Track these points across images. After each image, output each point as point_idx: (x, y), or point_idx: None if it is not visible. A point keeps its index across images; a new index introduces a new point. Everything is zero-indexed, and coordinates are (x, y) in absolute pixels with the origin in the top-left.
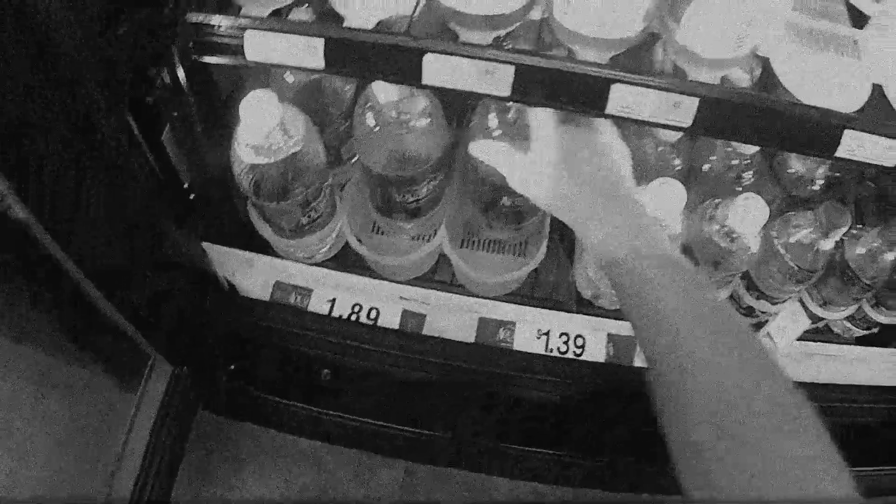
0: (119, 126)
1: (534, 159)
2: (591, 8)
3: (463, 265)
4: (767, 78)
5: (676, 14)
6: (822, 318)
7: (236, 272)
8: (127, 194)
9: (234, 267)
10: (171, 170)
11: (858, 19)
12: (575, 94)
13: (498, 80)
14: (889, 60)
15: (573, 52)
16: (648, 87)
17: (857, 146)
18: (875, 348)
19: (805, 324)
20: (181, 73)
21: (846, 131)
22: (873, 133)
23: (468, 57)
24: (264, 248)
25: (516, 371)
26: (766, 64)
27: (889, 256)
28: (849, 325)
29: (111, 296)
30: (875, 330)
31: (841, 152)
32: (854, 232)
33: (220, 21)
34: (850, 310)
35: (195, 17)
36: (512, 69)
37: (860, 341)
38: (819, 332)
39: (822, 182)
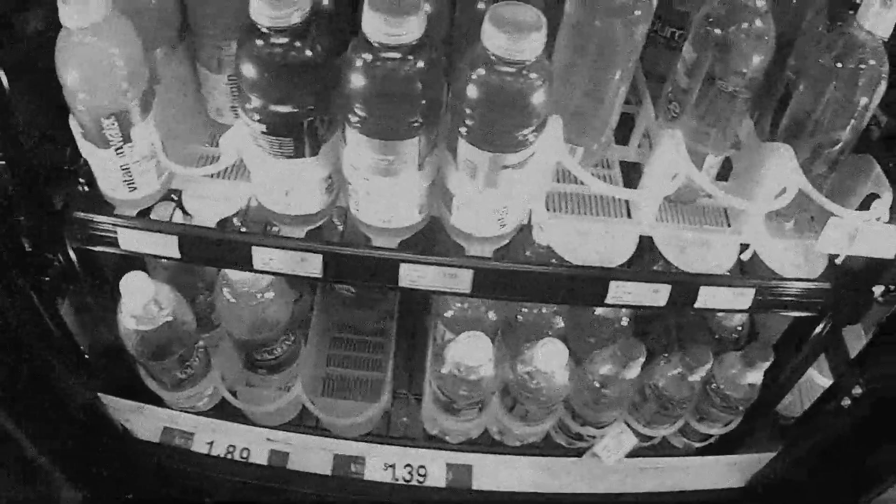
0: (22, 301)
1: None
2: (370, 206)
3: (317, 410)
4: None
5: (447, 205)
6: (652, 437)
7: (129, 418)
8: (29, 355)
9: (127, 414)
10: (68, 334)
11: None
12: (372, 272)
13: (312, 265)
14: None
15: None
16: (429, 264)
17: (625, 294)
18: (708, 457)
19: (632, 441)
20: (73, 256)
21: (612, 282)
22: (637, 281)
23: (285, 249)
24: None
25: (366, 499)
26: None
27: (691, 378)
28: (685, 440)
29: (25, 432)
30: (711, 441)
31: (611, 300)
32: (661, 360)
33: (100, 219)
34: (675, 427)
35: (81, 215)
36: (320, 258)
37: (702, 451)
38: (659, 447)
39: (626, 321)
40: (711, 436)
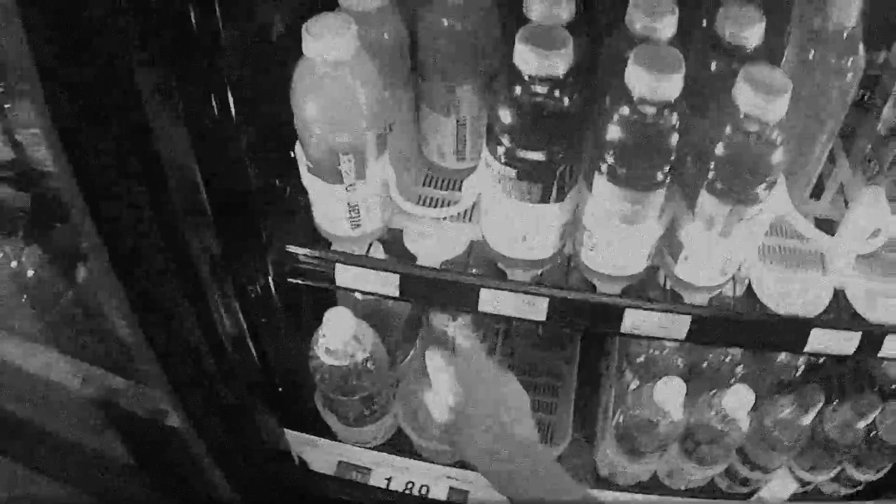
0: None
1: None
2: (606, 254)
3: None
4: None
5: (673, 254)
6: (810, 482)
7: (304, 451)
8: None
9: (302, 447)
10: (269, 367)
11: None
12: (595, 317)
13: (538, 308)
14: (846, 271)
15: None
16: (653, 310)
17: (822, 341)
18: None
19: (792, 487)
20: (272, 287)
21: (813, 330)
22: (835, 329)
23: (515, 292)
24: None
25: None
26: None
27: (860, 425)
28: (836, 486)
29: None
30: (860, 487)
31: (809, 348)
32: (831, 407)
33: (318, 254)
34: (833, 472)
35: (293, 249)
36: (547, 301)
37: (847, 498)
38: (810, 494)
39: (803, 367)
40: (861, 482)
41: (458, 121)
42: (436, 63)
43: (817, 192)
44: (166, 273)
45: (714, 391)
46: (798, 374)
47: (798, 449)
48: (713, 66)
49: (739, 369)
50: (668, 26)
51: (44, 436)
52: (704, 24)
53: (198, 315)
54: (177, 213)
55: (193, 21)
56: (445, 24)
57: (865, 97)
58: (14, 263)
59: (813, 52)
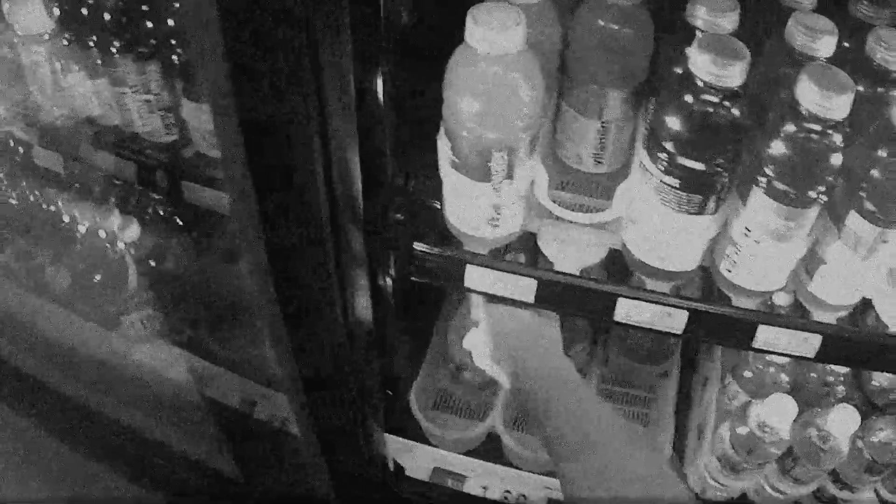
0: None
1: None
2: (751, 269)
3: None
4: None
5: (810, 271)
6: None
7: (398, 457)
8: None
9: (397, 452)
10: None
11: None
12: (730, 332)
13: (676, 320)
14: None
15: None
16: (786, 326)
17: None
18: None
19: None
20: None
21: None
22: None
23: (655, 303)
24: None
25: None
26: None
27: None
28: None
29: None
30: None
31: None
32: None
33: (447, 253)
34: None
35: (420, 247)
36: (686, 314)
37: None
38: None
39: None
40: None
41: (602, 124)
42: (587, 64)
43: None
44: (317, 266)
45: (818, 410)
46: (892, 399)
47: (890, 470)
48: (864, 90)
49: (840, 389)
50: (826, 46)
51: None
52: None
53: (343, 309)
54: (337, 205)
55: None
56: (602, 24)
57: None
58: (103, 233)
59: None
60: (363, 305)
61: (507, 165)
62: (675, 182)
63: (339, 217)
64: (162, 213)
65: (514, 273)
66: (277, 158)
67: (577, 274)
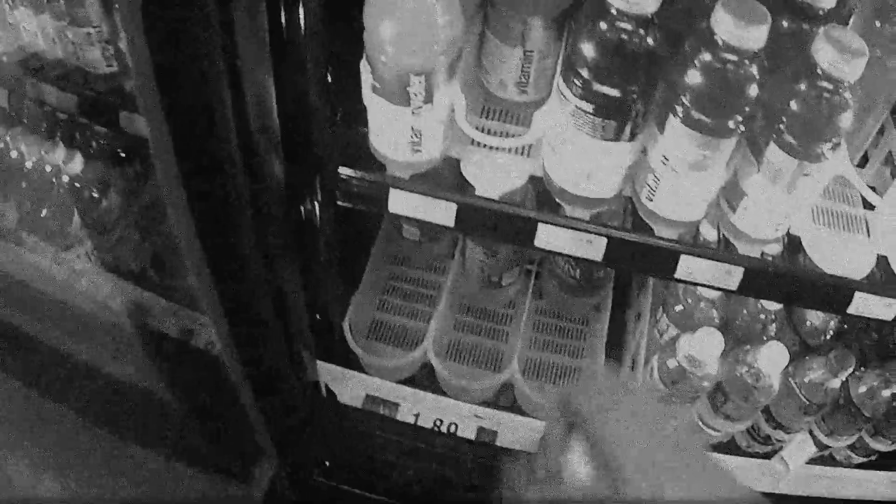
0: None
1: None
2: (670, 198)
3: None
4: (794, 250)
5: (732, 203)
6: (829, 447)
7: (332, 382)
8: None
9: (328, 379)
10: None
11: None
12: (651, 261)
13: (595, 248)
14: (892, 237)
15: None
16: (709, 258)
17: (864, 305)
18: (875, 471)
19: (811, 451)
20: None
21: (856, 293)
22: (878, 294)
23: (575, 230)
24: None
25: None
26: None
27: (885, 393)
28: (850, 453)
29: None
30: (873, 457)
31: (852, 310)
32: (857, 373)
33: (369, 177)
34: (852, 439)
35: (345, 172)
36: (605, 241)
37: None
38: (822, 460)
39: (832, 332)
40: (876, 452)
41: (524, 52)
42: None
43: (862, 162)
44: (234, 188)
45: (748, 347)
46: (826, 339)
47: (823, 412)
48: (787, 25)
49: (773, 328)
50: None
51: (58, 357)
52: None
53: (257, 231)
54: (252, 131)
55: None
56: None
57: None
58: (49, 167)
59: (878, 22)
60: (282, 231)
61: (426, 90)
62: (589, 107)
63: (253, 144)
64: (105, 144)
65: (435, 197)
66: (187, 89)
67: (497, 199)
